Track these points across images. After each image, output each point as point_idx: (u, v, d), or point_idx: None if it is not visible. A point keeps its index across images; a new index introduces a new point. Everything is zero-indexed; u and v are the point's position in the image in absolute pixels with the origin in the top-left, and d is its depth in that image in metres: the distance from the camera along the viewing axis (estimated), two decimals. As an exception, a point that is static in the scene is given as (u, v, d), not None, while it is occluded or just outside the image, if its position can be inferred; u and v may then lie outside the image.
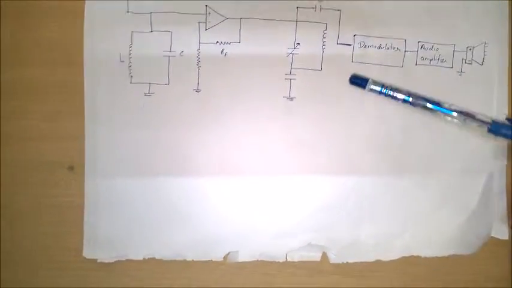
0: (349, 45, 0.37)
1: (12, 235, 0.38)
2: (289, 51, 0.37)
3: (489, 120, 0.34)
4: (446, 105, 0.35)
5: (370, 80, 0.36)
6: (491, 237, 0.38)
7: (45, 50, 0.37)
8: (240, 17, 0.37)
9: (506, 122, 0.35)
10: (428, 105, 0.35)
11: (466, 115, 0.34)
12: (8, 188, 0.37)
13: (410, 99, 0.35)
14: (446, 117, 0.35)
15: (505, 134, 0.34)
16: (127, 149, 0.37)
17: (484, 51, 0.37)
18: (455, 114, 0.35)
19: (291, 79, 0.37)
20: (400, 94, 0.35)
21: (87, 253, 0.37)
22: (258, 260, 0.37)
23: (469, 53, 0.37)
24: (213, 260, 0.37)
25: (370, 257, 0.37)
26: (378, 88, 0.35)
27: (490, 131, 0.34)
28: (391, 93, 0.35)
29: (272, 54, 0.37)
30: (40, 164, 0.37)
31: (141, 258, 0.37)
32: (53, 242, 0.38)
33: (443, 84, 0.37)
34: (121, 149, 0.37)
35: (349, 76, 0.36)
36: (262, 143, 0.37)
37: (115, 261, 0.37)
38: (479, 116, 0.34)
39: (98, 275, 0.37)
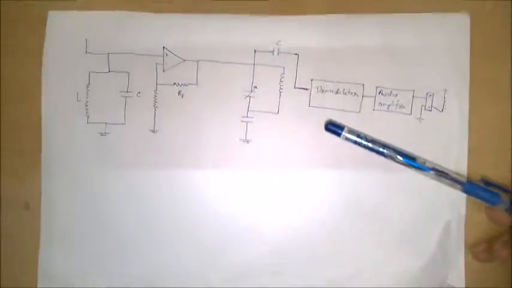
0: (307, 89, 0.37)
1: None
2: (247, 94, 0.37)
3: (463, 180, 0.34)
4: (420, 161, 0.35)
5: (345, 128, 0.36)
6: (448, 285, 0.37)
7: (5, 88, 0.38)
8: (197, 59, 0.37)
9: (481, 183, 0.35)
10: (402, 159, 0.35)
11: (440, 173, 0.35)
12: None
13: (386, 151, 0.35)
14: (420, 173, 0.35)
15: (478, 195, 0.34)
16: (82, 188, 0.37)
17: (444, 98, 0.37)
18: (431, 172, 0.35)
19: (247, 122, 0.37)
20: (374, 145, 0.35)
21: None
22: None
23: (429, 99, 0.37)
24: (163, 298, 0.37)
25: (322, 303, 0.37)
26: (353, 137, 0.35)
27: (464, 191, 0.34)
28: (366, 143, 0.35)
29: (229, 96, 0.37)
30: (-3, 200, 0.38)
31: (92, 293, 0.37)
32: (7, 279, 0.38)
33: (402, 131, 0.37)
34: (76, 187, 0.37)
35: (325, 122, 0.36)
36: (217, 183, 0.37)
37: (68, 295, 0.38)
38: (453, 175, 0.35)
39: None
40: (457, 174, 0.35)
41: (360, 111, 0.37)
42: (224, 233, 0.37)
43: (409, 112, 0.37)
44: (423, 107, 0.37)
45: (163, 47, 0.37)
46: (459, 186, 0.34)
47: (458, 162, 0.37)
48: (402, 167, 0.36)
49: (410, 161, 0.35)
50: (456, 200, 0.37)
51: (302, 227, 0.37)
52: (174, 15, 0.37)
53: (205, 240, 0.37)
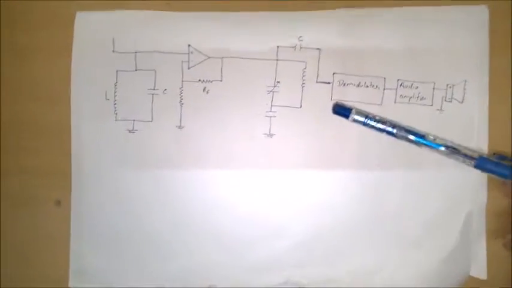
0: (329, 83, 0.38)
1: (4, 265, 0.39)
2: (270, 89, 0.38)
3: (475, 156, 0.35)
4: (431, 138, 0.35)
5: (353, 110, 0.36)
6: (470, 276, 0.37)
7: (34, 88, 0.39)
8: (221, 56, 0.38)
9: (493, 158, 0.35)
10: (413, 137, 0.35)
11: (452, 150, 0.35)
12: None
13: (395, 131, 0.36)
14: (432, 150, 0.35)
15: (490, 169, 0.34)
16: (111, 184, 0.38)
17: (464, 89, 0.37)
18: (442, 148, 0.35)
19: (271, 116, 0.38)
20: (384, 125, 0.36)
21: (73, 283, 0.39)
22: (236, 295, 0.38)
23: (449, 90, 0.37)
24: (193, 292, 0.38)
25: (348, 293, 0.38)
26: (362, 119, 0.36)
27: (476, 166, 0.35)
28: (374, 124, 0.36)
29: (253, 92, 0.38)
30: (29, 198, 0.39)
31: (124, 289, 0.38)
32: (40, 273, 0.39)
33: (423, 122, 0.37)
34: (105, 184, 0.38)
35: (332, 105, 0.37)
36: (242, 178, 0.38)
37: (99, 291, 0.39)
38: (464, 151, 0.35)
39: (83, 305, 0.39)
40: (469, 149, 0.35)
41: (381, 104, 0.37)
42: (251, 229, 0.38)
43: (430, 103, 0.37)
44: (443, 99, 0.37)
45: (189, 45, 0.38)
46: (471, 162, 0.35)
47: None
48: (424, 161, 0.37)
49: (421, 138, 0.35)
50: (477, 190, 0.37)
51: (325, 221, 0.38)
52: (198, 14, 0.38)
53: (233, 236, 0.38)
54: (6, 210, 0.39)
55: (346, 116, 0.36)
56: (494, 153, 0.36)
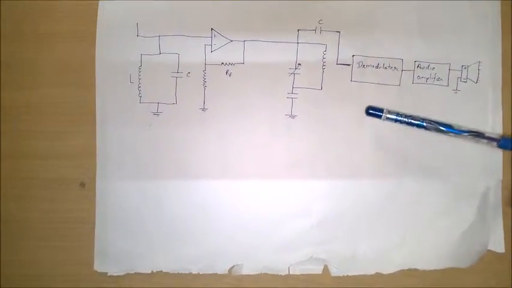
0: (348, 65, 0.39)
1: (25, 249, 0.39)
2: (291, 71, 0.39)
3: (498, 137, 0.38)
4: (456, 127, 0.38)
5: (385, 110, 0.38)
6: (488, 250, 0.38)
7: (58, 73, 0.39)
8: (243, 40, 0.38)
9: None
10: (442, 128, 0.38)
11: (476, 134, 0.37)
12: (22, 203, 0.39)
13: (425, 124, 0.38)
14: (458, 137, 0.38)
15: None
16: (137, 166, 0.39)
17: (479, 70, 0.39)
18: (466, 134, 0.38)
19: (292, 98, 0.39)
20: (415, 120, 0.38)
21: (98, 267, 0.39)
22: (261, 273, 0.39)
23: (464, 71, 0.39)
24: (218, 273, 0.39)
25: (370, 270, 0.39)
26: (393, 116, 0.38)
27: (500, 146, 0.38)
28: (406, 119, 0.38)
29: (274, 74, 0.39)
30: (53, 181, 0.39)
31: (149, 272, 0.39)
32: (65, 256, 0.39)
33: (439, 102, 0.39)
34: (131, 166, 0.39)
35: (365, 107, 0.39)
36: (265, 159, 0.39)
37: (124, 274, 0.39)
38: (488, 134, 0.38)
39: (109, 288, 0.39)
40: (491, 133, 0.38)
41: (399, 85, 0.39)
42: (274, 209, 0.39)
43: (446, 84, 0.39)
44: (459, 79, 0.39)
45: (212, 29, 0.38)
46: (495, 143, 0.37)
47: (493, 130, 0.39)
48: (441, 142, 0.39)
49: (448, 128, 0.38)
50: (493, 166, 0.39)
51: (347, 200, 0.39)
52: (221, -2, 0.39)
53: (256, 217, 0.39)
54: (32, 192, 0.39)
55: (379, 116, 0.38)
56: None
